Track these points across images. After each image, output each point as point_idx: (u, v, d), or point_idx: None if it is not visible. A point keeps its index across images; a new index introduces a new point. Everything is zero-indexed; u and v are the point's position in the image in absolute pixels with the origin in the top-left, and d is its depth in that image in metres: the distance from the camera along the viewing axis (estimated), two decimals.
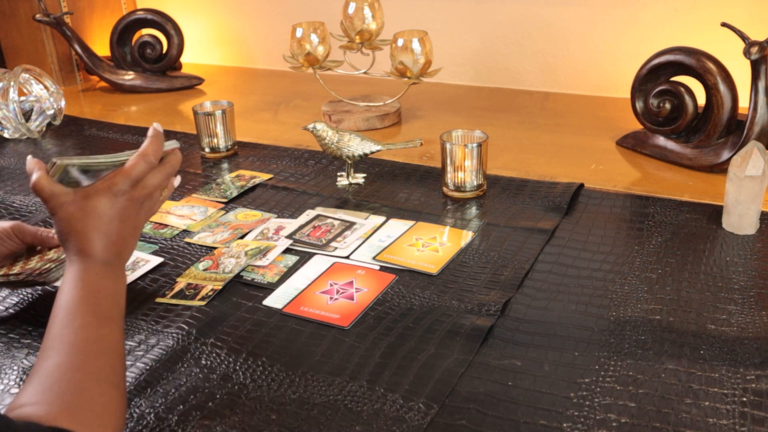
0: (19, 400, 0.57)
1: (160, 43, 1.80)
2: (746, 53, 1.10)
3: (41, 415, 0.55)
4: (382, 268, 0.93)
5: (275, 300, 0.87)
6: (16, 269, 0.83)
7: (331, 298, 0.86)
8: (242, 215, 1.09)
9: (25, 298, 0.90)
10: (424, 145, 1.34)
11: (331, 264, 0.94)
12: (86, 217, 0.68)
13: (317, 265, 0.95)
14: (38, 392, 0.58)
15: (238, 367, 0.75)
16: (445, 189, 1.14)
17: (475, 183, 1.12)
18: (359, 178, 1.20)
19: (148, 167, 0.72)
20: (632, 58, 1.39)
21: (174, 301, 0.88)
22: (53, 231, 0.84)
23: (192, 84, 1.82)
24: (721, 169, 1.15)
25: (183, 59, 1.88)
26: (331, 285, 0.89)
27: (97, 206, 0.68)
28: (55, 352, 0.61)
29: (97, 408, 0.58)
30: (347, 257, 0.96)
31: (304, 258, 0.96)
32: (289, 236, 1.02)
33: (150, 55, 1.79)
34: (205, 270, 0.93)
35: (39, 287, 0.91)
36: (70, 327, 0.63)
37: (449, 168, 1.11)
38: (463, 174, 1.11)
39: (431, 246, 0.98)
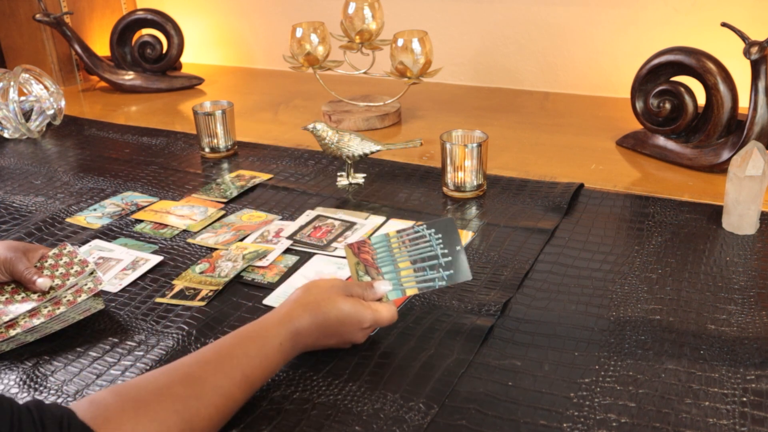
0: (99, 392, 0.59)
1: (160, 43, 1.80)
2: (746, 53, 1.10)
3: (90, 409, 0.56)
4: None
5: (275, 299, 0.87)
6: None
7: None
8: (246, 216, 1.09)
9: None
10: (424, 145, 1.34)
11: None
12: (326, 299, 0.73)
13: (317, 264, 0.94)
14: (113, 392, 0.59)
15: None
16: (445, 189, 1.14)
17: (475, 183, 1.12)
18: (359, 178, 1.20)
19: (376, 324, 0.76)
20: (632, 58, 1.39)
21: (174, 301, 0.88)
22: (35, 277, 0.82)
23: (192, 84, 1.82)
24: (721, 169, 1.15)
25: (183, 59, 1.88)
26: None
27: (332, 307, 0.73)
28: (167, 370, 0.63)
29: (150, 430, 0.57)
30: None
31: (304, 258, 0.96)
32: (289, 237, 1.02)
33: (150, 55, 1.79)
34: (201, 273, 0.93)
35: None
36: (199, 356, 0.65)
37: (449, 168, 1.11)
38: (463, 174, 1.11)
39: None
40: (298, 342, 0.71)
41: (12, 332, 0.77)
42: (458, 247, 0.79)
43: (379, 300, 0.77)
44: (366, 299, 0.76)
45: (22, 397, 0.72)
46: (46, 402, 0.56)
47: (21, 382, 0.74)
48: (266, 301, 0.86)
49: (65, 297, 0.81)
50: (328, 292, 0.73)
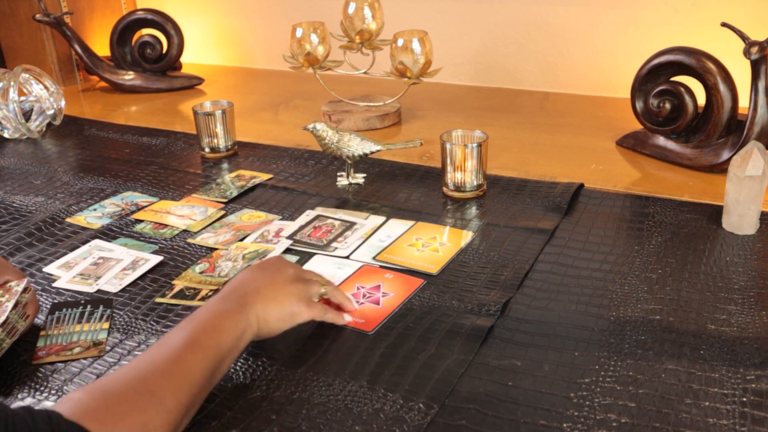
0: (72, 392, 0.59)
1: (160, 43, 1.80)
2: (746, 53, 1.10)
3: (72, 407, 0.56)
4: (411, 272, 0.93)
5: None
6: None
7: (357, 302, 0.85)
8: (246, 216, 1.09)
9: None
10: (424, 145, 1.34)
11: (360, 267, 0.93)
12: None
13: (316, 264, 0.95)
14: (88, 388, 0.59)
15: (238, 367, 0.75)
16: (445, 189, 1.14)
17: (475, 183, 1.12)
18: (359, 178, 1.20)
19: (321, 288, 0.80)
20: (632, 58, 1.39)
21: (174, 301, 0.88)
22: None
23: (192, 84, 1.82)
24: (721, 169, 1.15)
25: (183, 59, 1.88)
26: (358, 288, 0.88)
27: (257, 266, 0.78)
28: (135, 361, 0.64)
29: (132, 422, 0.57)
30: (347, 257, 0.96)
31: (304, 258, 0.96)
32: (289, 237, 1.02)
33: (150, 55, 1.79)
34: (201, 273, 0.93)
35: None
36: (162, 344, 0.65)
37: (449, 168, 1.11)
38: (463, 174, 1.11)
39: (431, 246, 0.98)
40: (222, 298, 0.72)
41: None
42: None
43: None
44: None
45: (22, 397, 0.72)
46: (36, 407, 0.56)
47: (21, 383, 0.74)
48: None
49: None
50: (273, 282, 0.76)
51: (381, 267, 0.93)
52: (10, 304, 0.77)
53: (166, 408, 0.60)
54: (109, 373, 0.61)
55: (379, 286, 0.89)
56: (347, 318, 0.81)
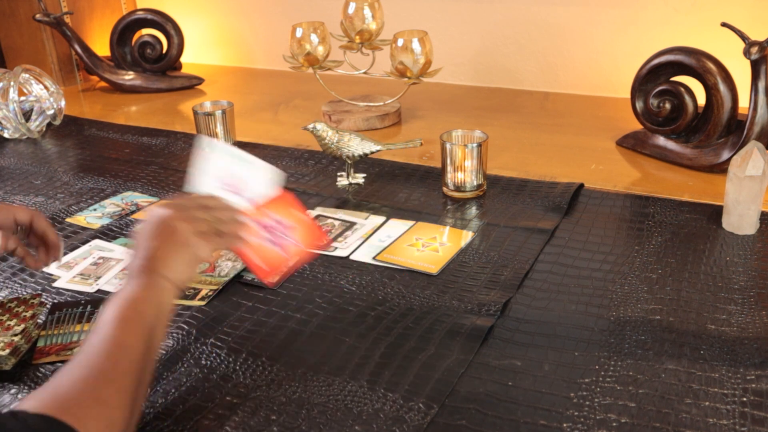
0: (26, 397, 0.59)
1: (160, 43, 1.80)
2: (746, 53, 1.10)
3: (34, 404, 0.56)
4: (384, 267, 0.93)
5: None
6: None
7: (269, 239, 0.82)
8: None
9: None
10: (424, 145, 1.34)
11: (278, 193, 0.87)
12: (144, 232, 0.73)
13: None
14: (38, 390, 0.59)
15: (238, 367, 0.75)
16: (445, 189, 1.14)
17: (475, 183, 1.12)
18: (359, 178, 1.20)
19: (205, 203, 0.77)
20: (632, 58, 1.39)
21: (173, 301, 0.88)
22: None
23: (192, 84, 1.82)
24: (721, 169, 1.15)
25: (183, 59, 1.88)
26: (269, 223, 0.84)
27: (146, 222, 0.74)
28: (77, 355, 0.63)
29: (89, 402, 0.58)
30: (347, 257, 0.96)
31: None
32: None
33: (150, 55, 1.79)
34: (201, 272, 0.93)
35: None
36: (95, 331, 0.64)
37: (449, 168, 1.11)
38: (463, 174, 1.11)
39: (431, 246, 0.98)
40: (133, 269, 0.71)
41: None
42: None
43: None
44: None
45: (22, 397, 0.72)
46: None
47: (21, 382, 0.74)
48: None
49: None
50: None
51: (318, 218, 0.90)
52: (28, 314, 0.81)
53: (117, 385, 0.60)
54: (56, 372, 0.61)
55: (284, 225, 0.85)
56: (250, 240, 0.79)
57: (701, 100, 1.19)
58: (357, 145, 1.15)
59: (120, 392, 0.61)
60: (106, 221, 1.10)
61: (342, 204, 1.12)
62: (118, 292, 0.69)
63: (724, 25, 1.12)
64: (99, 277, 0.94)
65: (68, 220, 1.11)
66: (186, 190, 0.81)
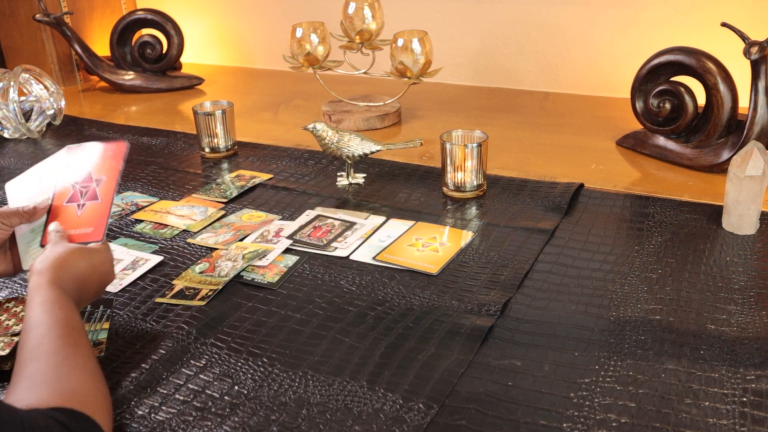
0: (8, 400, 0.58)
1: (160, 43, 1.80)
2: (746, 53, 1.10)
3: (36, 403, 0.57)
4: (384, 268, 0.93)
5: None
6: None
7: (78, 204, 0.83)
8: (246, 216, 1.09)
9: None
10: (424, 145, 1.34)
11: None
12: (71, 255, 0.74)
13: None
14: (26, 389, 0.59)
15: (238, 367, 0.75)
16: (445, 189, 1.14)
17: (475, 183, 1.12)
18: (359, 178, 1.20)
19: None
20: (632, 58, 1.39)
21: (174, 301, 0.88)
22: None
23: (192, 84, 1.82)
24: (721, 169, 1.15)
25: (183, 59, 1.88)
26: (73, 186, 0.84)
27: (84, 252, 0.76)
28: (34, 360, 0.63)
29: (85, 391, 0.60)
30: (347, 257, 0.96)
31: (304, 258, 0.96)
32: (289, 236, 1.02)
33: (150, 55, 1.79)
34: (201, 273, 0.93)
35: None
36: (48, 338, 0.64)
37: (449, 168, 1.11)
38: (463, 174, 1.11)
39: (431, 246, 0.98)
40: (66, 291, 0.71)
41: None
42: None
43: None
44: (64, 237, 0.78)
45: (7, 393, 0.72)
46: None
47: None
48: None
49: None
50: (63, 260, 0.73)
51: (318, 218, 0.93)
52: None
53: (97, 376, 0.64)
54: (24, 371, 0.62)
55: (89, 175, 0.83)
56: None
57: (701, 100, 1.19)
58: (357, 145, 1.15)
59: (102, 381, 0.65)
60: None
61: (342, 204, 1.12)
62: (59, 305, 0.69)
63: (724, 25, 1.12)
64: None
65: None
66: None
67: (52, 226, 0.80)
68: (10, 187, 0.87)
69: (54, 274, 0.71)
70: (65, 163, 0.85)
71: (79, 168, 0.84)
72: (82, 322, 0.70)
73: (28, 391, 0.59)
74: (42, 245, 0.81)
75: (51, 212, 0.84)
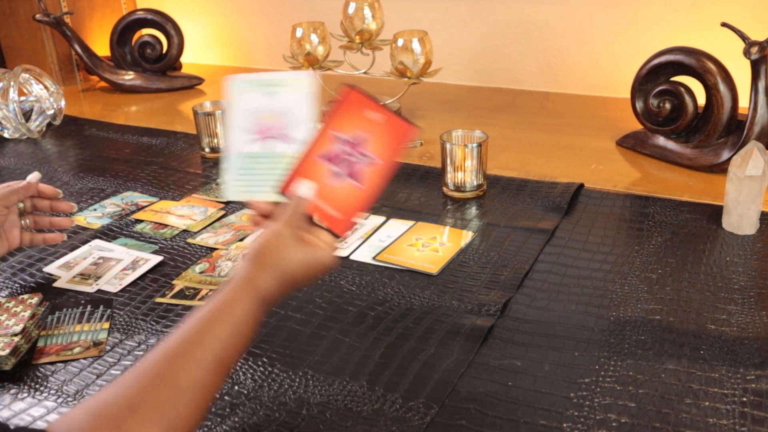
0: (70, 410, 0.55)
1: (160, 43, 1.80)
2: (746, 53, 1.10)
3: (68, 427, 0.52)
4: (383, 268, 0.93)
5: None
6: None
7: (333, 170, 0.68)
8: (246, 216, 1.09)
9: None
10: (424, 145, 1.34)
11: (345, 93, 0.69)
12: (293, 251, 0.65)
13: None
14: (85, 406, 0.55)
15: (238, 367, 0.75)
16: (445, 189, 1.14)
17: (475, 183, 1.12)
18: None
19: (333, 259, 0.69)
20: (632, 58, 1.39)
21: (174, 301, 0.88)
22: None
23: (192, 84, 1.82)
24: (721, 169, 1.15)
25: (183, 59, 1.88)
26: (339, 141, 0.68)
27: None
28: (137, 376, 0.57)
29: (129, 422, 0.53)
30: (347, 257, 0.96)
31: None
32: None
33: (150, 55, 1.79)
34: (201, 273, 0.93)
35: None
36: (166, 351, 0.59)
37: (449, 168, 1.11)
38: (463, 174, 1.11)
39: (431, 246, 0.98)
40: (267, 305, 0.65)
41: None
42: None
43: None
44: (311, 232, 0.68)
45: (22, 397, 0.72)
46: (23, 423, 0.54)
47: (21, 382, 0.74)
48: None
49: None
50: (280, 246, 0.65)
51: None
52: (27, 314, 0.80)
53: (168, 415, 0.55)
54: (108, 386, 0.56)
55: (362, 141, 0.67)
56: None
57: (701, 100, 1.19)
58: None
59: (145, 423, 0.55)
60: (106, 221, 1.10)
61: None
62: (216, 315, 0.61)
63: (724, 25, 1.12)
64: (99, 277, 0.94)
65: None
66: (224, 151, 0.74)
67: (302, 185, 0.66)
68: (234, 83, 0.71)
69: (263, 276, 0.64)
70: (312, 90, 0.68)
71: (346, 119, 0.66)
72: (236, 326, 0.62)
73: (73, 414, 0.54)
74: (273, 190, 0.66)
75: (300, 159, 0.66)
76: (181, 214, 1.11)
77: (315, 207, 0.67)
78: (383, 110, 0.68)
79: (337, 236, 0.67)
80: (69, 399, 0.72)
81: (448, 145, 1.10)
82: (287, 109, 0.70)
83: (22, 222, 0.92)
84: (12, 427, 0.52)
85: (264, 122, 0.70)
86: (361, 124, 0.67)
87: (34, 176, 0.91)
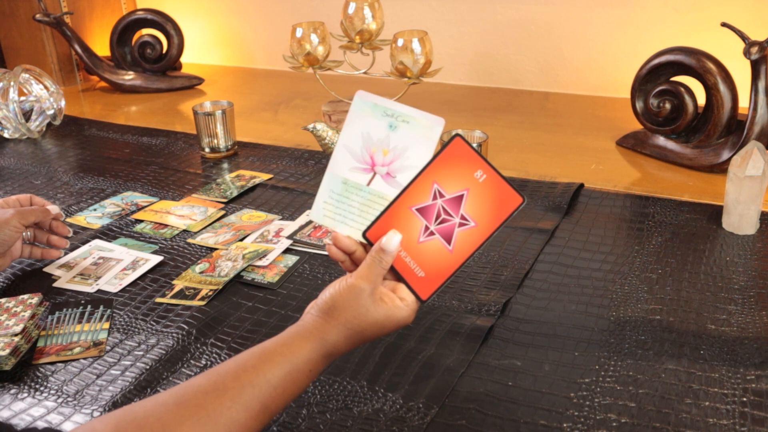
0: (95, 420, 0.53)
1: (160, 43, 1.80)
2: (746, 53, 1.10)
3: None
4: None
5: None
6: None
7: (426, 229, 0.64)
8: (246, 216, 1.09)
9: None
10: None
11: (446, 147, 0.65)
12: (374, 313, 0.63)
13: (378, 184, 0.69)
14: (111, 418, 0.53)
15: None
16: None
17: None
18: None
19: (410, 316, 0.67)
20: (632, 58, 1.39)
21: (174, 301, 0.88)
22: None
23: (192, 84, 1.82)
24: (721, 169, 1.15)
25: (183, 59, 1.88)
26: (435, 195, 0.64)
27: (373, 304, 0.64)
28: (178, 399, 0.55)
29: None
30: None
31: (304, 257, 0.96)
32: (289, 236, 1.02)
33: (150, 55, 1.79)
34: (201, 273, 0.93)
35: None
36: (216, 381, 0.57)
37: None
38: None
39: None
40: (330, 359, 0.63)
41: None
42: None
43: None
44: (391, 289, 0.66)
45: (22, 397, 0.72)
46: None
47: (21, 382, 0.74)
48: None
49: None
50: (355, 301, 0.63)
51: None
52: (27, 314, 0.80)
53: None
54: (146, 401, 0.55)
55: (460, 198, 0.63)
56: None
57: (701, 100, 1.19)
58: None
59: None
60: (106, 221, 1.10)
61: None
62: (275, 356, 0.59)
63: (724, 25, 1.12)
64: (99, 277, 0.94)
65: (68, 220, 1.11)
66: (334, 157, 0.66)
67: (392, 240, 0.63)
68: (361, 97, 0.67)
69: (332, 329, 0.62)
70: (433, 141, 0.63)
71: (447, 171, 0.63)
72: (287, 376, 0.59)
73: (100, 421, 0.52)
74: (360, 231, 0.64)
75: (394, 206, 0.62)
76: (181, 214, 1.11)
77: (400, 261, 0.64)
78: (489, 169, 0.64)
79: (419, 298, 0.65)
80: (69, 399, 0.72)
81: None
82: (404, 149, 0.66)
83: (24, 234, 0.94)
84: (18, 429, 0.51)
85: (375, 153, 0.66)
86: (462, 179, 0.64)
87: (54, 209, 0.94)
